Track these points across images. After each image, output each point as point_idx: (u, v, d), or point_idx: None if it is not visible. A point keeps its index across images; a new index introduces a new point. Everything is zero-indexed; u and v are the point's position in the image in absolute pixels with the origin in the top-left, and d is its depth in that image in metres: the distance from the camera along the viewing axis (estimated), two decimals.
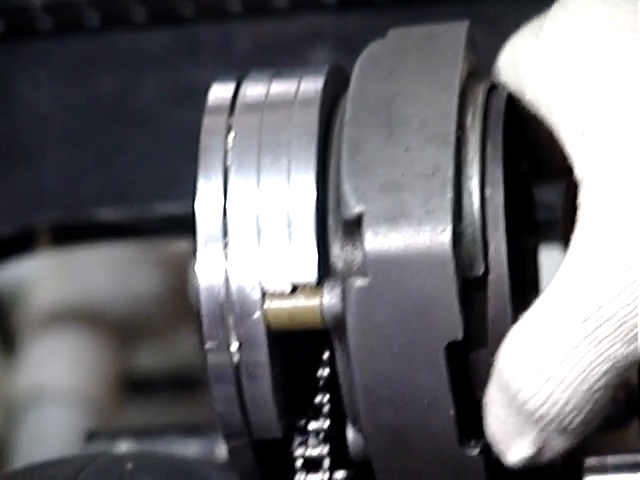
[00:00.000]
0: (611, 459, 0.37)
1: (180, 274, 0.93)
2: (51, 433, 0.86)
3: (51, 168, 0.64)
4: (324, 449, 0.36)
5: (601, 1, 0.40)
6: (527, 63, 0.40)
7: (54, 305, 0.91)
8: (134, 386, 0.94)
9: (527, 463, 0.38)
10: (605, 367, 0.37)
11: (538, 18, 0.39)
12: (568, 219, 0.38)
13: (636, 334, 0.37)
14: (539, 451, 0.38)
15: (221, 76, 0.37)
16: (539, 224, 0.41)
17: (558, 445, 0.38)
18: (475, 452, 0.35)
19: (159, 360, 0.97)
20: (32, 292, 0.94)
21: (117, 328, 0.91)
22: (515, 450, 0.38)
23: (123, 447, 0.52)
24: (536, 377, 0.37)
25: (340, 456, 0.37)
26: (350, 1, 0.60)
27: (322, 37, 0.61)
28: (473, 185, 0.34)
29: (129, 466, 0.38)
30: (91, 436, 0.55)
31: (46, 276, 0.93)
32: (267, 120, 0.35)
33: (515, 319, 0.36)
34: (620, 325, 0.37)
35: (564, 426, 0.37)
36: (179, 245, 0.87)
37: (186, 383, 0.94)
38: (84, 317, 0.90)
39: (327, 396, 0.36)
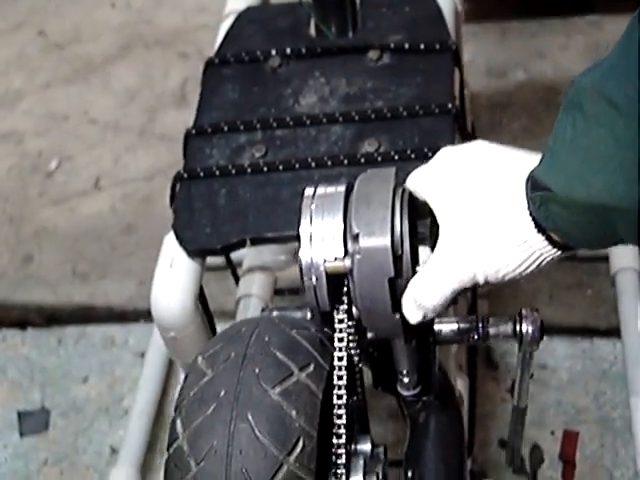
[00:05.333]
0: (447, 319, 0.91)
1: None
2: None
3: None
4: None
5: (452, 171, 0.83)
6: (426, 185, 0.84)
7: None
8: None
9: (419, 322, 0.83)
10: (452, 289, 0.81)
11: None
12: (432, 233, 0.85)
13: (467, 277, 0.81)
14: (423, 318, 0.83)
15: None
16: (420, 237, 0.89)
17: (429, 316, 0.83)
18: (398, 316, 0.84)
19: None
20: None
21: None
22: (413, 317, 0.83)
23: None
24: (427, 293, 0.81)
25: None
26: None
27: None
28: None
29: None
30: None
31: None
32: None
33: (414, 273, 0.84)
34: (459, 272, 0.80)
35: (435, 310, 0.83)
36: None
37: None
38: None
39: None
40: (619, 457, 1.69)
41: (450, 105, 1.28)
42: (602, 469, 1.68)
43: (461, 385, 1.48)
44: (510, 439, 1.08)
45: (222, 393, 0.78)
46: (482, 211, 0.81)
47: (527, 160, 0.81)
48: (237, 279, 1.59)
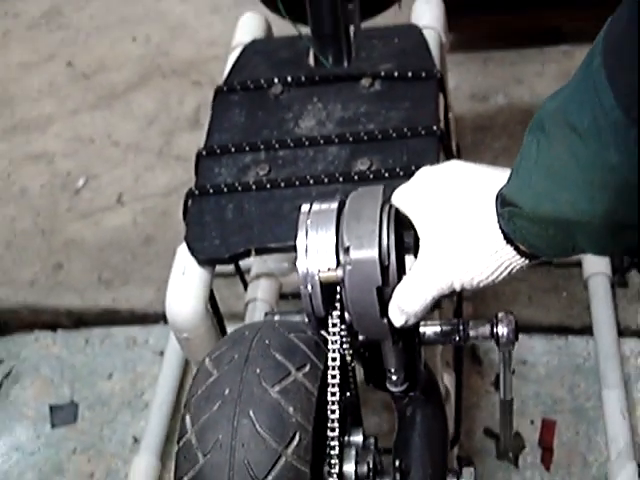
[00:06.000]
0: (430, 322, 0.90)
1: None
2: None
3: None
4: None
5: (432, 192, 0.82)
6: (407, 202, 0.84)
7: None
8: None
9: (402, 326, 0.82)
10: (432, 296, 0.82)
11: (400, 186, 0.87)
12: (417, 244, 0.84)
13: (445, 285, 0.81)
14: (405, 322, 0.83)
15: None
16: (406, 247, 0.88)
17: (412, 321, 0.83)
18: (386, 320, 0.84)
19: None
20: None
21: None
22: (397, 321, 0.83)
23: None
24: (409, 300, 0.82)
25: None
26: None
27: None
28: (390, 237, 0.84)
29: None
30: None
31: None
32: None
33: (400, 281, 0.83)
34: (438, 281, 0.81)
35: (417, 315, 0.83)
36: None
37: None
38: None
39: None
40: (592, 443, 1.68)
41: (435, 127, 1.28)
42: (577, 454, 1.68)
43: (448, 380, 1.47)
44: (501, 429, 1.08)
45: (226, 391, 0.78)
46: (457, 225, 0.80)
47: (497, 178, 0.80)
48: (246, 285, 1.59)
